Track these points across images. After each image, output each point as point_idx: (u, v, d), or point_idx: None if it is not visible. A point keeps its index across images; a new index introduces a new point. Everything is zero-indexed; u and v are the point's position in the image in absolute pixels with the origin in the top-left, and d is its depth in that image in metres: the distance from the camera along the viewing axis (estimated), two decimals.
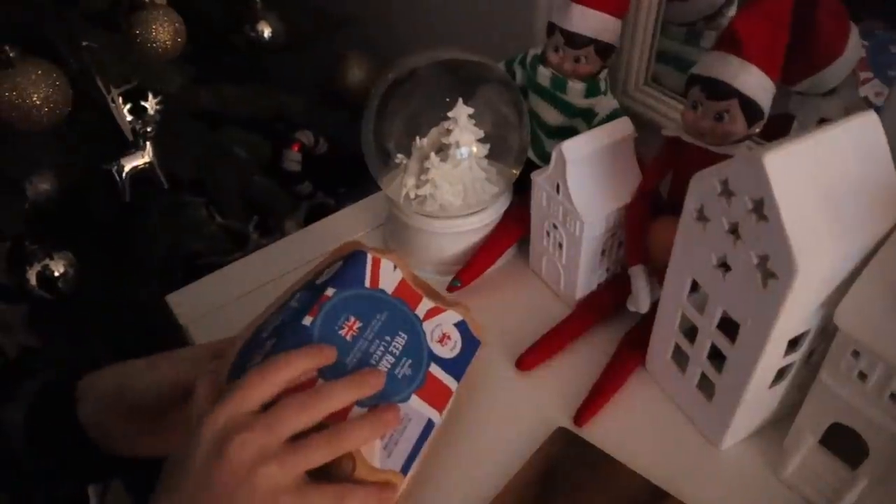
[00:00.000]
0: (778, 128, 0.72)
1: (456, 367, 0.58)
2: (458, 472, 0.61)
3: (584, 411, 0.64)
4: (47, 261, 1.01)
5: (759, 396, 0.58)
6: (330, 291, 0.53)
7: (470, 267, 0.77)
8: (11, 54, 0.86)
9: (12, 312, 1.06)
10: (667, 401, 0.67)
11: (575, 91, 0.74)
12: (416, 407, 0.54)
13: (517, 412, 0.66)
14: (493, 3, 1.09)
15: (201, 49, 1.16)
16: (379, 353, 0.53)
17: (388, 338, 0.54)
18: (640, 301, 0.67)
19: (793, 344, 0.54)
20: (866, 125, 0.51)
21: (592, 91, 0.75)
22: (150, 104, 1.02)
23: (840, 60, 0.69)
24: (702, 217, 0.54)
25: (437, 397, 0.56)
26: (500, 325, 0.74)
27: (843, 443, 0.55)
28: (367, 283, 0.55)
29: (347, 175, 1.33)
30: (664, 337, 0.64)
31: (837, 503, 0.55)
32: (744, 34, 0.57)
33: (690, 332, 0.61)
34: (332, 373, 0.49)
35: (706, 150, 0.61)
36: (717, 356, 0.58)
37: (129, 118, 1.02)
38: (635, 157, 0.70)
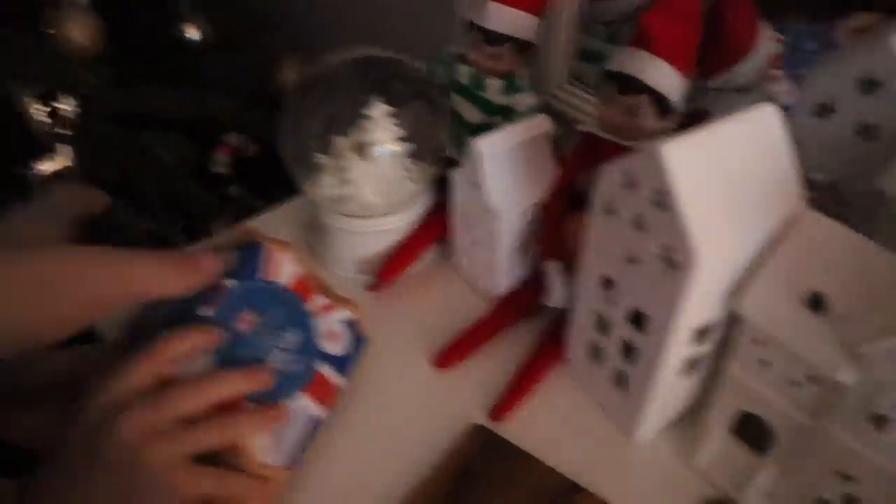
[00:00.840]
0: (696, 123, 0.73)
1: (344, 365, 0.58)
2: (371, 469, 0.60)
3: (501, 407, 0.64)
4: None
5: (669, 387, 0.58)
6: (228, 283, 0.52)
7: (390, 265, 0.76)
8: None
9: None
10: (586, 396, 0.67)
11: (493, 88, 0.74)
12: (304, 404, 0.54)
13: (434, 410, 0.65)
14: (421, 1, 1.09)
15: (127, 51, 1.13)
16: (271, 348, 0.53)
17: (280, 333, 0.54)
18: (555, 296, 0.67)
19: (701, 334, 0.55)
20: (765, 118, 0.52)
21: (511, 88, 0.75)
22: (67, 106, 0.99)
23: (751, 56, 0.70)
24: (609, 210, 0.54)
25: (325, 395, 0.56)
26: (420, 323, 0.73)
27: (754, 430, 0.56)
28: (264, 276, 0.54)
29: (279, 178, 1.31)
30: (580, 331, 0.64)
31: (746, 489, 0.56)
32: (653, 30, 0.58)
33: (606, 326, 0.61)
34: (225, 367, 0.50)
35: (622, 146, 0.61)
36: (632, 349, 0.59)
37: (46, 121, 0.99)
38: (552, 153, 0.70)
